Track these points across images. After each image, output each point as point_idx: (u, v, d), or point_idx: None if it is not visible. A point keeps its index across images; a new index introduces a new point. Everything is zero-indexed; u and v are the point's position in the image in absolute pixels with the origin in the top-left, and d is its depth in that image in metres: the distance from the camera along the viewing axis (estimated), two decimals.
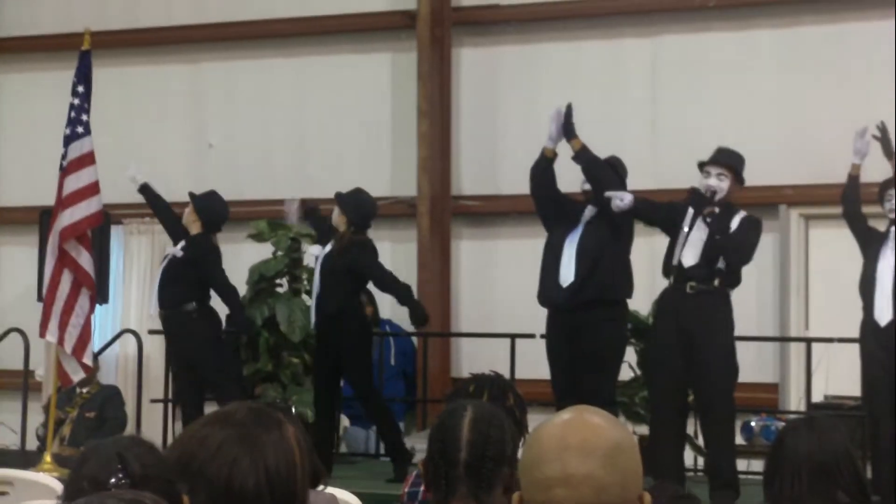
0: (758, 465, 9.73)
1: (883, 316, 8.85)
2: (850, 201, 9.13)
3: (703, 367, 8.68)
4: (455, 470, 3.65)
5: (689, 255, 8.77)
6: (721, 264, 8.74)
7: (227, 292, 10.16)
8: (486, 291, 12.80)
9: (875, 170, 9.29)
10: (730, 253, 8.71)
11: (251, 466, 2.65)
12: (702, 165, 9.00)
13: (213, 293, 10.17)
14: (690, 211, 8.87)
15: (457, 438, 3.67)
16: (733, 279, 8.84)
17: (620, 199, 8.79)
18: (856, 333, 9.17)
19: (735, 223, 8.80)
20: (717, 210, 8.76)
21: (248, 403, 2.82)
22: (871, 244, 9.06)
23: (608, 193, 8.85)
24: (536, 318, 9.38)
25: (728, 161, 8.93)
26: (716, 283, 8.73)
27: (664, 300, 8.98)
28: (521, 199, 10.43)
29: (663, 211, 9.03)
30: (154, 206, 10.55)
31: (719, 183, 8.86)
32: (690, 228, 8.83)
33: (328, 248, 10.03)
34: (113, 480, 2.49)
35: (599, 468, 2.51)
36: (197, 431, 2.70)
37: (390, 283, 9.95)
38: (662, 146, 12.19)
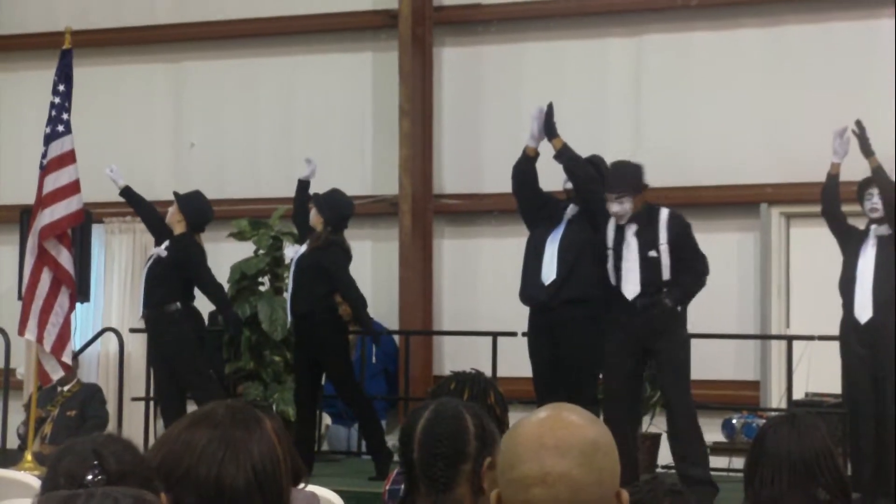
0: (739, 462, 9.75)
1: (863, 314, 8.89)
2: (830, 199, 9.16)
3: (668, 379, 8.82)
4: (412, 470, 3.66)
5: (630, 286, 8.76)
6: (665, 276, 8.75)
7: (215, 291, 10.17)
8: (468, 290, 12.80)
9: (854, 168, 9.31)
10: (694, 281, 8.79)
11: (239, 466, 2.67)
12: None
13: (196, 293, 10.17)
14: (611, 232, 8.85)
15: (411, 438, 3.69)
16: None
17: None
18: (836, 331, 9.20)
19: (662, 228, 8.79)
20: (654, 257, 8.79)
21: (225, 402, 2.83)
22: (850, 242, 9.10)
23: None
24: (519, 316, 9.39)
25: (620, 186, 8.83)
26: (664, 292, 8.76)
27: (616, 308, 8.95)
28: (503, 197, 10.44)
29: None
30: (137, 207, 10.56)
31: (622, 207, 8.80)
32: (617, 255, 8.80)
33: (304, 247, 10.04)
34: (90, 477, 2.49)
35: (576, 467, 2.51)
36: (179, 435, 2.71)
37: (349, 292, 9.92)
38: (645, 145, 12.19)
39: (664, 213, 8.87)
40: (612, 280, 8.83)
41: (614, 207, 8.78)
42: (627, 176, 8.86)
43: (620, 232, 8.82)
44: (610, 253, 8.83)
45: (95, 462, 2.50)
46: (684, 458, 8.83)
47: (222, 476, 2.66)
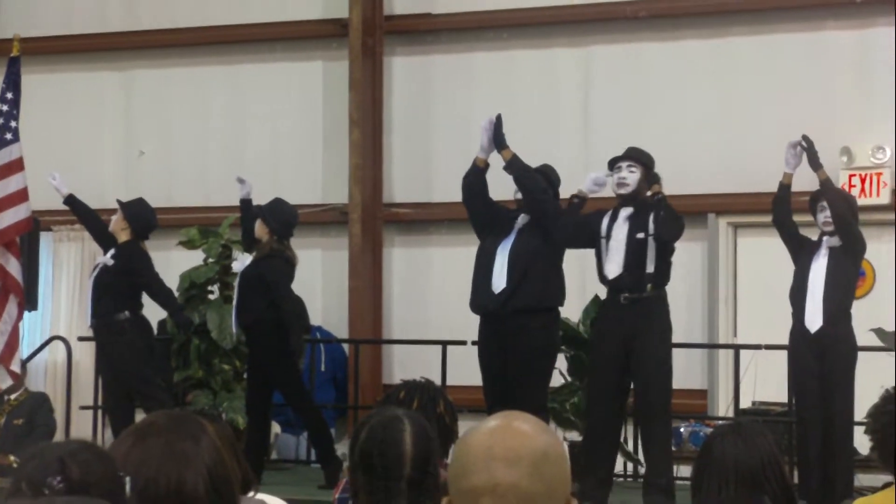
0: (686, 470, 9.82)
1: (813, 323, 8.94)
2: (781, 209, 9.22)
3: (642, 376, 8.83)
4: (398, 484, 3.64)
5: (612, 266, 8.87)
6: (649, 268, 8.83)
7: (164, 295, 10.14)
8: (418, 298, 12.82)
9: (804, 179, 9.38)
10: (661, 231, 8.81)
11: (197, 473, 2.68)
12: (612, 163, 9.08)
13: (145, 301, 10.14)
14: (606, 220, 8.97)
15: (400, 454, 3.65)
16: (663, 278, 8.95)
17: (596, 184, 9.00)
18: (783, 340, 9.27)
19: (651, 215, 8.90)
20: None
21: (167, 412, 2.85)
22: (802, 252, 9.15)
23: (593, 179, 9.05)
24: (469, 324, 9.41)
25: (637, 155, 9.02)
26: (648, 287, 8.84)
27: (602, 310, 9.13)
28: (454, 206, 10.46)
29: (586, 232, 9.12)
30: (81, 216, 10.50)
31: (630, 174, 8.93)
32: (608, 238, 8.91)
33: (250, 258, 10.05)
34: (52, 482, 2.49)
35: (525, 477, 2.52)
36: (129, 450, 2.72)
37: (284, 305, 9.89)
38: (594, 154, 12.24)
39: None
40: (599, 268, 8.96)
41: (622, 172, 8.91)
42: (644, 153, 9.06)
43: (614, 218, 8.92)
44: (602, 242, 8.92)
45: (58, 469, 2.50)
46: (650, 465, 8.90)
47: (183, 485, 2.67)
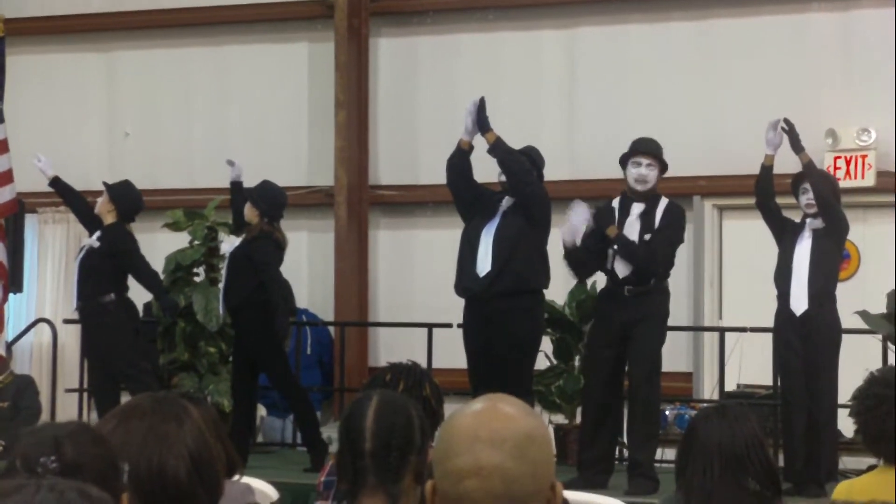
0: (671, 453, 9.84)
1: (798, 306, 8.96)
2: (763, 191, 9.23)
3: (635, 361, 8.88)
4: (362, 460, 3.62)
5: (622, 266, 8.91)
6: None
7: (150, 278, 10.13)
8: (403, 281, 12.82)
9: (787, 161, 9.39)
10: (647, 265, 8.87)
11: (178, 456, 2.70)
12: (625, 158, 9.09)
13: (130, 284, 10.13)
14: (615, 217, 8.99)
15: (362, 428, 3.64)
16: (667, 273, 9.03)
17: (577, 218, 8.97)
18: (768, 323, 9.29)
19: (659, 214, 8.93)
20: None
21: (150, 395, 2.86)
22: (785, 234, 9.16)
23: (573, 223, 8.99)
24: (454, 307, 9.42)
25: (655, 151, 9.07)
26: (652, 282, 8.89)
27: (603, 300, 9.13)
28: (439, 188, 10.44)
29: (599, 254, 9.11)
30: (66, 198, 10.49)
31: (650, 172, 8.99)
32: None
33: (238, 240, 10.05)
34: (44, 461, 2.49)
35: (509, 459, 2.53)
36: (113, 432, 2.72)
37: (271, 288, 9.87)
38: (579, 137, 12.27)
39: (663, 201, 9.00)
40: (608, 263, 8.98)
41: (642, 170, 8.95)
42: (657, 145, 9.11)
43: (624, 213, 8.95)
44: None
45: (52, 449, 2.50)
46: (635, 448, 8.93)
47: (164, 468, 2.68)
